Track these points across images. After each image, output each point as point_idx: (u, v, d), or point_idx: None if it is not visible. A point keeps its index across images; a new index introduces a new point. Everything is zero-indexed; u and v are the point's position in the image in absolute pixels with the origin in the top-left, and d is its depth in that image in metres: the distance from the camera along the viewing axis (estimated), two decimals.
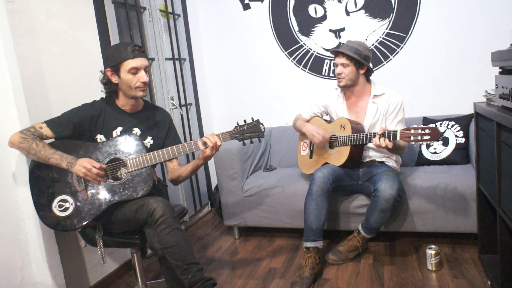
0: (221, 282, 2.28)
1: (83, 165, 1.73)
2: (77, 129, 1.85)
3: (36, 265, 1.94)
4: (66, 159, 1.74)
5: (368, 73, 2.41)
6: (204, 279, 1.74)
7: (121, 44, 1.88)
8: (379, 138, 2.06)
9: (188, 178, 2.07)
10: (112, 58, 1.83)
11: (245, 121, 1.98)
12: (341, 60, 2.35)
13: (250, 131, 1.95)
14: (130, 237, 1.88)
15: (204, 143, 1.87)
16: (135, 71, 1.83)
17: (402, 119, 2.39)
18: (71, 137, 1.84)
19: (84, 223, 1.76)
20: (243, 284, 2.25)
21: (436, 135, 1.92)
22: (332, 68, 3.22)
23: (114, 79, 1.86)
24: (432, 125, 1.97)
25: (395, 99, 2.37)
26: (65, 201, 1.77)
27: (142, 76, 1.85)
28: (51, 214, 1.76)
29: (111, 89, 1.90)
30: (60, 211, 1.77)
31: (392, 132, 2.05)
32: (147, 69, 1.88)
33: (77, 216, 1.76)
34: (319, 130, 2.41)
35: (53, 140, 1.83)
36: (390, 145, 2.04)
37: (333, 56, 2.48)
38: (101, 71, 1.90)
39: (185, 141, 2.87)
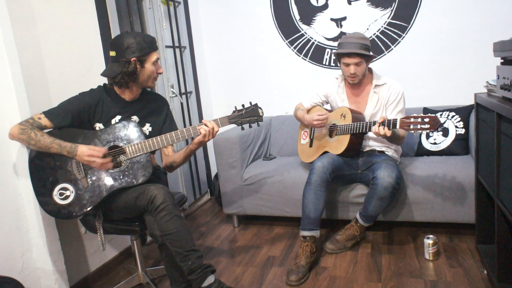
0: (220, 269, 2.30)
1: (86, 155, 1.73)
2: (76, 118, 1.85)
3: (37, 251, 1.95)
4: (65, 148, 1.75)
5: None
6: (204, 266, 1.76)
7: (139, 34, 1.85)
8: (379, 126, 2.06)
9: (182, 164, 2.06)
10: (139, 48, 1.81)
11: (243, 105, 1.97)
12: (354, 60, 2.27)
13: (248, 115, 1.95)
14: (130, 224, 1.89)
15: (205, 125, 1.86)
16: (156, 62, 1.89)
17: (403, 109, 2.38)
18: (70, 126, 1.84)
19: (85, 211, 1.77)
20: (242, 272, 2.27)
21: (436, 124, 1.91)
22: (333, 57, 3.19)
23: (138, 69, 1.85)
24: (433, 114, 1.97)
25: (396, 89, 2.36)
26: (65, 189, 1.78)
27: (159, 67, 1.93)
28: (52, 202, 1.77)
29: (129, 79, 1.85)
30: (61, 199, 1.77)
31: (392, 121, 2.05)
32: None
33: (78, 204, 1.77)
34: (316, 114, 2.38)
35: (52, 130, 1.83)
36: (389, 133, 2.04)
37: (335, 48, 2.44)
38: (124, 60, 1.80)
39: None
